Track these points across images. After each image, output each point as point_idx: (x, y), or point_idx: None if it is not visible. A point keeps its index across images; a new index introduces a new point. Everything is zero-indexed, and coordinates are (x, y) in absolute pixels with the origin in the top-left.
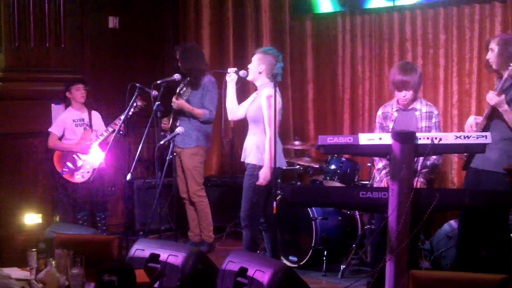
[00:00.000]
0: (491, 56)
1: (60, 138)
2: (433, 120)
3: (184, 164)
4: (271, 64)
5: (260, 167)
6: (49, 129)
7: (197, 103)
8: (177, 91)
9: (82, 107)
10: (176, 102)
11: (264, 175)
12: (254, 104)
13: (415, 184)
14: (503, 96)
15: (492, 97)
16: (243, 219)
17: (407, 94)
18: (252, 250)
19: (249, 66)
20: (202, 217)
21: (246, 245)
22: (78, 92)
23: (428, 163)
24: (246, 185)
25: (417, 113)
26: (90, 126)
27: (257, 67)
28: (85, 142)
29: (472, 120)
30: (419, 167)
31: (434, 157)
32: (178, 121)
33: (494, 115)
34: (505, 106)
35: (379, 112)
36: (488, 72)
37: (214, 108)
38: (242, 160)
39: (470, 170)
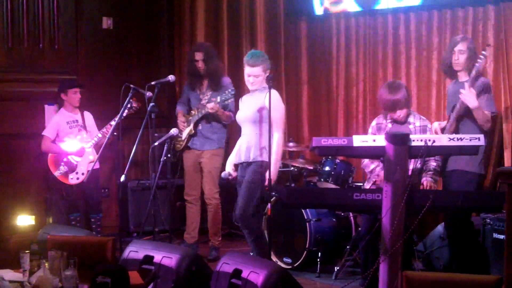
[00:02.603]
0: (461, 57)
1: (54, 141)
2: (428, 134)
3: (205, 166)
4: (268, 67)
5: (268, 164)
6: (43, 133)
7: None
8: (208, 96)
9: (74, 108)
10: (212, 106)
11: (273, 175)
12: (253, 106)
13: (423, 183)
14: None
15: (469, 97)
16: (242, 219)
17: (402, 113)
18: (265, 248)
19: (255, 79)
20: (216, 220)
21: (256, 245)
22: (75, 96)
23: (431, 167)
24: (249, 180)
25: (411, 126)
26: (84, 127)
27: (264, 75)
28: (80, 145)
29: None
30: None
31: (434, 163)
32: (200, 125)
33: (462, 117)
34: (477, 103)
35: (373, 123)
36: (443, 72)
37: (234, 109)
38: (243, 160)
39: (446, 174)
